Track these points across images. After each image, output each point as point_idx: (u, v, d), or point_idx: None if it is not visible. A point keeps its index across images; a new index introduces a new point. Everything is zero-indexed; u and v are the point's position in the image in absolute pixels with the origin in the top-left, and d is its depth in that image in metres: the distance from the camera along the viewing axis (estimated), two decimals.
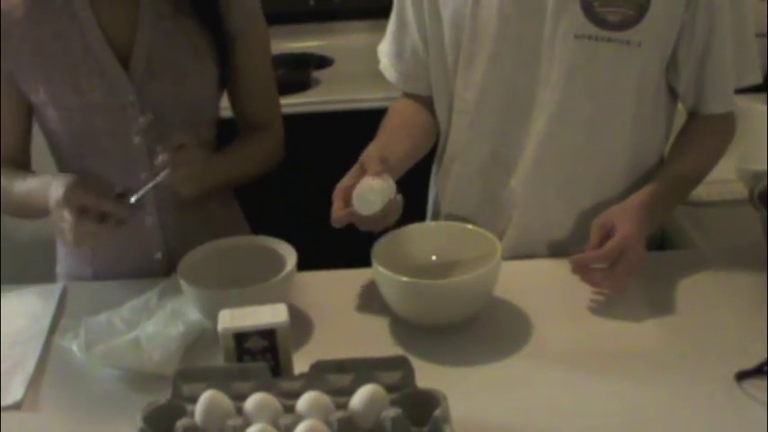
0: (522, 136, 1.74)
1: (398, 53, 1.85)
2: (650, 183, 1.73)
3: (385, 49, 1.88)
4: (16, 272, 1.82)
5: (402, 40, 1.84)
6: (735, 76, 1.73)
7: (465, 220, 1.76)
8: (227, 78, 1.78)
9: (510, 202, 1.79)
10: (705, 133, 1.78)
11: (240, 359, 1.36)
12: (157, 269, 1.76)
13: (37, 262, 1.93)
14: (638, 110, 1.73)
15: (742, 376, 1.38)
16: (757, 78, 1.75)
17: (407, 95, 1.89)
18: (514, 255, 1.70)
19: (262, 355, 1.36)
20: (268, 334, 1.36)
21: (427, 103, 1.86)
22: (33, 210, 1.69)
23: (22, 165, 1.79)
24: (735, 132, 1.80)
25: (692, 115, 1.79)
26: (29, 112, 1.74)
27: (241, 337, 1.35)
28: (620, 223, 1.59)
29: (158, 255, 1.78)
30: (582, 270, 1.59)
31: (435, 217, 1.92)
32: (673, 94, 1.78)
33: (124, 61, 1.68)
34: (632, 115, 1.72)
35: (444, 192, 1.87)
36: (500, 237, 1.63)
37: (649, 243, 1.69)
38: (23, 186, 1.71)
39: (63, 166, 1.77)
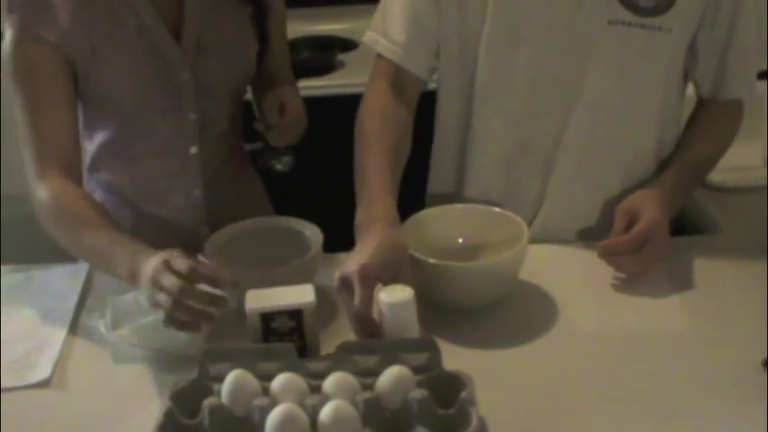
0: (551, 124, 1.72)
1: (408, 32, 1.74)
2: (669, 168, 1.73)
3: (384, 29, 1.77)
4: (43, 252, 1.82)
5: (415, 20, 1.74)
6: (757, 60, 1.74)
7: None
8: (264, 52, 1.79)
9: (537, 191, 1.78)
10: (720, 117, 1.79)
11: (267, 339, 1.37)
12: (203, 244, 1.76)
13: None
14: (666, 97, 1.73)
15: None
16: (762, 65, 1.76)
17: (389, 84, 1.77)
18: (540, 240, 1.70)
19: (288, 336, 1.37)
20: (295, 314, 1.36)
21: (413, 91, 1.78)
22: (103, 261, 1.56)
23: (78, 170, 1.67)
24: (743, 115, 1.80)
25: (705, 101, 1.79)
26: (76, 106, 1.69)
27: (268, 318, 1.36)
28: (644, 208, 1.60)
29: (204, 229, 1.79)
30: (610, 255, 1.59)
31: (436, 199, 1.90)
32: (684, 80, 1.78)
33: (176, 39, 1.68)
34: (660, 102, 1.72)
35: (462, 179, 1.85)
36: (527, 225, 1.62)
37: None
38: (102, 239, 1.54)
39: (103, 151, 1.77)
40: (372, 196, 1.57)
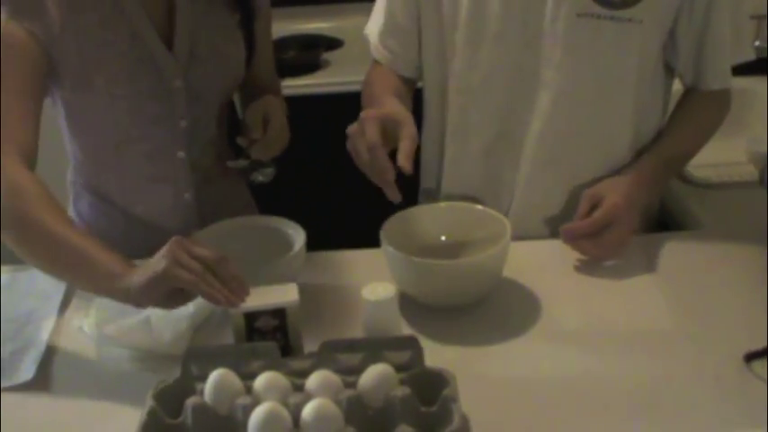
0: (527, 116, 1.74)
1: (389, 34, 1.84)
2: (645, 156, 1.76)
3: (374, 29, 1.87)
4: None
5: (393, 21, 1.83)
6: (731, 54, 1.75)
7: (466, 199, 1.77)
8: (251, 57, 1.79)
9: (514, 181, 1.79)
10: (702, 109, 1.81)
11: (250, 338, 1.37)
12: None
13: None
14: (639, 87, 1.74)
15: (750, 357, 1.38)
16: (750, 55, 1.77)
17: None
18: (517, 234, 1.70)
19: (272, 335, 1.37)
20: (278, 313, 1.36)
21: (407, 83, 1.86)
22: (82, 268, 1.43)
23: (34, 166, 1.54)
24: (730, 107, 1.82)
25: (690, 90, 1.81)
26: (41, 105, 1.63)
27: (251, 317, 1.36)
28: (608, 194, 1.64)
29: (195, 231, 1.77)
30: (571, 238, 1.63)
31: (427, 195, 1.93)
32: (669, 71, 1.79)
33: (168, 46, 1.67)
34: (633, 93, 1.74)
35: (441, 173, 1.87)
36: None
37: (647, 220, 1.77)
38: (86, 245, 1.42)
39: (91, 157, 1.76)
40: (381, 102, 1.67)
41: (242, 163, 1.76)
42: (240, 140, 1.73)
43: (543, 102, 1.72)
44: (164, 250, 1.35)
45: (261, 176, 1.77)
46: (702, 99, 1.79)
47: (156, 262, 1.34)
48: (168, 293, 1.34)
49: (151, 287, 1.33)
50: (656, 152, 1.76)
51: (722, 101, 1.81)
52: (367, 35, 1.89)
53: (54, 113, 1.71)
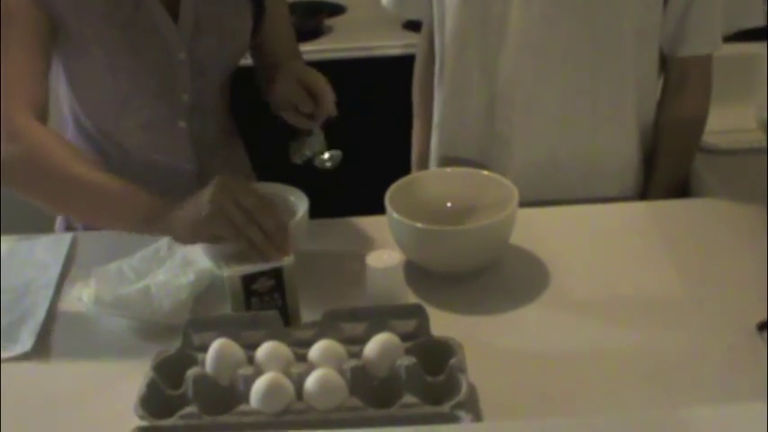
0: (522, 76, 1.74)
1: None
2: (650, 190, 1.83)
3: None
4: (24, 222, 1.80)
5: None
6: (724, 19, 1.73)
7: (465, 162, 1.79)
8: (258, 31, 1.75)
9: (514, 144, 1.79)
10: (680, 80, 1.80)
11: (248, 301, 1.36)
12: None
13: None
14: (640, 51, 1.74)
15: (763, 326, 1.36)
16: (760, 21, 1.75)
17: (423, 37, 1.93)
18: (522, 196, 1.69)
19: (269, 295, 1.36)
20: (275, 273, 1.35)
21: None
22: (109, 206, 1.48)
23: (45, 123, 1.56)
24: (707, 76, 1.81)
25: (669, 61, 1.79)
26: (50, 62, 1.61)
27: (248, 279, 1.35)
28: None
29: None
30: None
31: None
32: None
33: (172, 18, 1.64)
34: (633, 56, 1.73)
35: (444, 137, 1.88)
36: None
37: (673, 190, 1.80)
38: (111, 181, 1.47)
39: (89, 128, 1.73)
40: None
41: (306, 153, 1.70)
42: (298, 122, 1.69)
43: (540, 62, 1.72)
44: (209, 192, 1.38)
45: (329, 162, 1.70)
46: (681, 67, 1.78)
47: (200, 205, 1.37)
48: (212, 236, 1.39)
49: (195, 231, 1.39)
50: (658, 181, 1.83)
51: (693, 68, 1.78)
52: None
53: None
